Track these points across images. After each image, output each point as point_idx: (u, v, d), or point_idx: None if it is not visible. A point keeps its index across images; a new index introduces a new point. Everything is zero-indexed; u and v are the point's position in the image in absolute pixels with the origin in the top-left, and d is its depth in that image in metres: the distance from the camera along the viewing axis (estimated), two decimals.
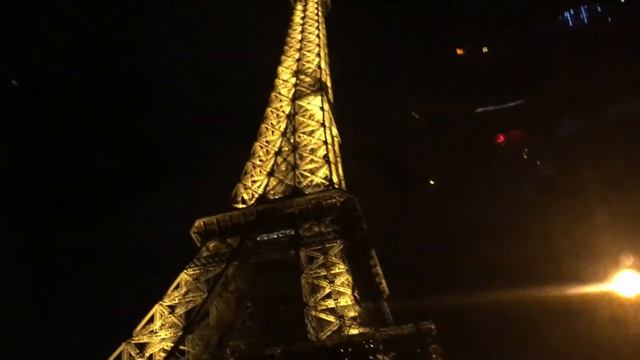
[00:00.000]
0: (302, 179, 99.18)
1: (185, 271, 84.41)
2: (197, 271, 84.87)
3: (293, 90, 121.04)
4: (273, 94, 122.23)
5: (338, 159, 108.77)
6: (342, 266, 79.79)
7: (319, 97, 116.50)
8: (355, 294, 76.36)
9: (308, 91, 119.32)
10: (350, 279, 78.09)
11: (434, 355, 52.75)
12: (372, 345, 58.18)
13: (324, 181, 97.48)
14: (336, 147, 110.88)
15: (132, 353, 73.12)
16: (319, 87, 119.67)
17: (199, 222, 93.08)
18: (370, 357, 52.81)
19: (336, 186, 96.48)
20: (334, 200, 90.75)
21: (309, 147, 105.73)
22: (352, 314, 74.05)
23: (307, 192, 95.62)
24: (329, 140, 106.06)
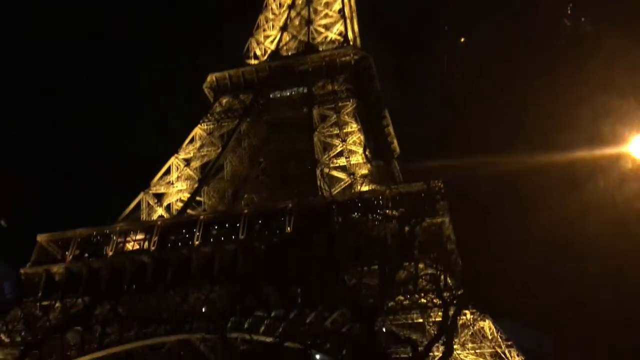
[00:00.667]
0: (316, 35, 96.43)
1: (199, 125, 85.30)
2: (211, 126, 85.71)
3: None
4: None
5: (354, 13, 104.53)
6: (355, 125, 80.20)
7: None
8: (367, 153, 77.49)
9: None
10: (362, 137, 78.83)
11: (440, 212, 54.70)
12: (381, 202, 60.12)
13: (338, 37, 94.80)
14: (352, 1, 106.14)
15: (150, 202, 76.26)
16: None
17: (211, 77, 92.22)
18: (379, 212, 54.74)
19: (351, 43, 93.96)
20: (348, 57, 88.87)
21: (324, 1, 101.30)
22: (363, 171, 75.73)
23: (320, 49, 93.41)
24: None
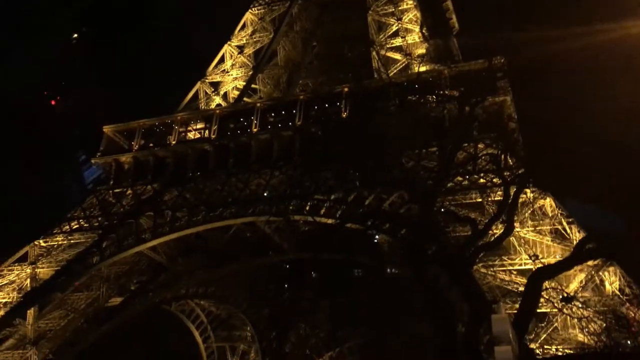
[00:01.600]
0: None
1: (250, 11, 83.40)
2: (262, 10, 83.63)
3: None
4: None
5: None
6: (410, 1, 76.38)
7: None
8: (424, 31, 74.25)
9: None
10: (418, 15, 75.26)
11: (502, 90, 52.80)
12: (440, 82, 58.38)
13: None
14: None
15: (207, 91, 77.04)
16: None
17: None
18: (438, 92, 53.33)
19: None
20: None
21: None
22: (420, 51, 73.14)
23: None
24: None
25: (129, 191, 67.58)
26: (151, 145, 70.07)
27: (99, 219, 65.85)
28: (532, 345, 43.32)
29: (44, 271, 63.02)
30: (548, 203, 50.14)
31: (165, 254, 67.22)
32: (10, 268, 64.08)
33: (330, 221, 53.69)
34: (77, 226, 66.00)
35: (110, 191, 68.58)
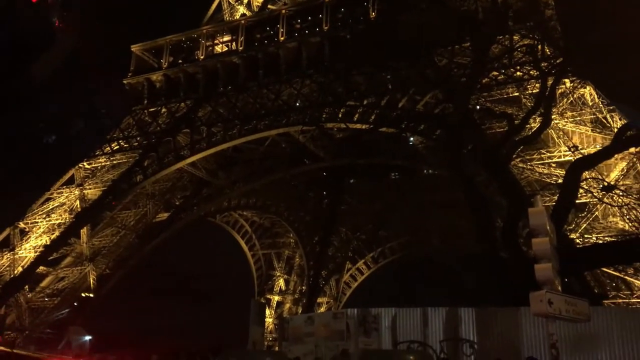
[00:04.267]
0: None
1: None
2: None
3: None
4: None
5: None
6: None
7: None
8: None
9: None
10: None
11: None
12: None
13: None
14: None
15: (230, 1, 75.17)
16: None
17: None
18: None
19: None
20: None
21: None
22: None
23: None
24: None
25: (164, 109, 68.31)
26: (180, 61, 69.82)
27: (138, 138, 67.21)
28: (573, 235, 43.75)
29: (92, 192, 65.49)
30: (588, 92, 48.66)
31: (205, 168, 68.75)
32: (59, 191, 66.78)
33: (364, 127, 53.55)
34: (117, 147, 67.65)
35: (145, 110, 69.43)
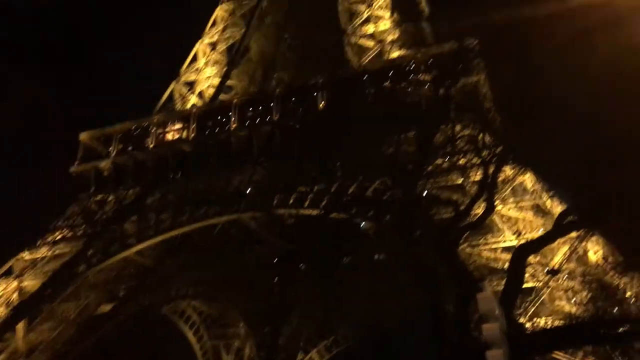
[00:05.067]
0: None
1: (219, 7, 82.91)
2: (232, 6, 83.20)
3: None
4: None
5: None
6: None
7: None
8: (395, 16, 74.41)
9: None
10: (388, 0, 75.36)
11: (475, 70, 53.16)
12: (413, 66, 58.71)
13: None
14: None
15: (183, 91, 76.58)
16: None
17: None
18: (412, 77, 53.71)
19: None
20: None
21: None
22: (391, 37, 73.18)
23: None
24: None
25: (111, 197, 67.12)
26: (130, 149, 69.56)
27: (83, 227, 65.32)
28: (521, 320, 44.05)
29: (31, 284, 62.44)
30: (528, 178, 50.77)
31: (152, 256, 66.94)
32: None
33: (314, 212, 53.87)
34: (60, 236, 65.42)
35: (92, 198, 68.00)
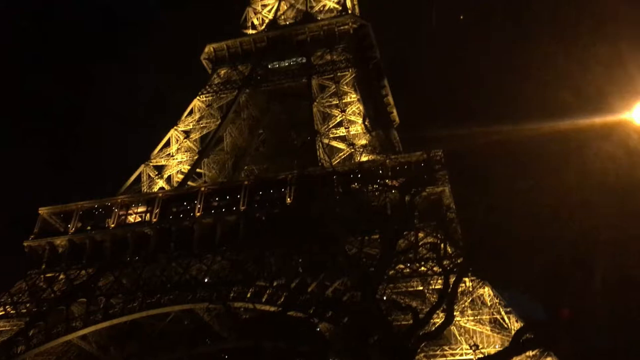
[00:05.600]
0: (314, 4, 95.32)
1: (197, 97, 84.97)
2: (210, 98, 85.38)
3: None
4: None
5: None
6: (354, 95, 79.88)
7: None
8: (366, 123, 77.27)
9: None
10: (361, 107, 78.57)
11: (440, 181, 54.91)
12: (381, 171, 60.27)
13: (337, 6, 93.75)
14: None
15: (151, 174, 76.46)
16: None
17: (209, 48, 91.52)
18: (379, 182, 54.92)
19: (350, 11, 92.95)
20: (346, 26, 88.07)
21: None
22: (362, 142, 75.66)
23: (319, 18, 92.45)
24: None
25: (62, 275, 64.69)
26: (89, 228, 68.06)
27: (28, 305, 62.27)
28: None
29: None
30: (486, 292, 51.16)
31: (96, 343, 63.66)
32: None
33: (272, 308, 52.72)
34: (2, 313, 62.09)
35: (42, 275, 65.39)
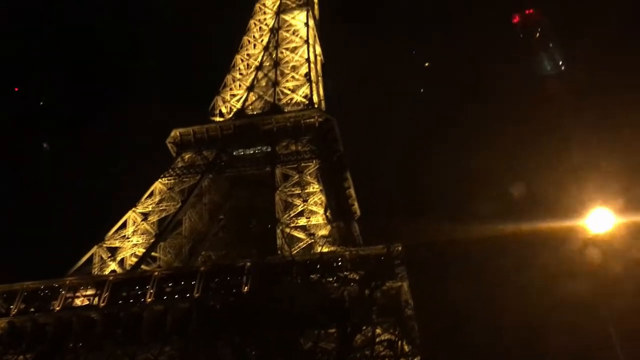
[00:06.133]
0: (282, 96, 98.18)
1: (159, 180, 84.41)
2: (172, 181, 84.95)
3: (278, 2, 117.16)
4: (257, 5, 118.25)
5: (320, 78, 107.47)
6: (317, 186, 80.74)
7: (305, 12, 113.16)
8: (327, 214, 77.76)
9: (293, 5, 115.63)
10: (323, 198, 79.25)
11: (399, 276, 54.70)
12: (340, 264, 59.89)
13: (303, 100, 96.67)
14: (318, 66, 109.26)
15: (103, 256, 74.08)
16: (305, 2, 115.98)
17: (175, 132, 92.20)
18: (339, 274, 54.44)
19: (316, 106, 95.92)
20: (312, 119, 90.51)
21: (291, 64, 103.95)
22: (323, 232, 75.72)
23: (286, 110, 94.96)
24: (312, 58, 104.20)
25: None
26: (32, 310, 64.51)
27: None
28: None
29: None
30: None
31: None
32: None
33: None
34: None
35: None
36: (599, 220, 21.51)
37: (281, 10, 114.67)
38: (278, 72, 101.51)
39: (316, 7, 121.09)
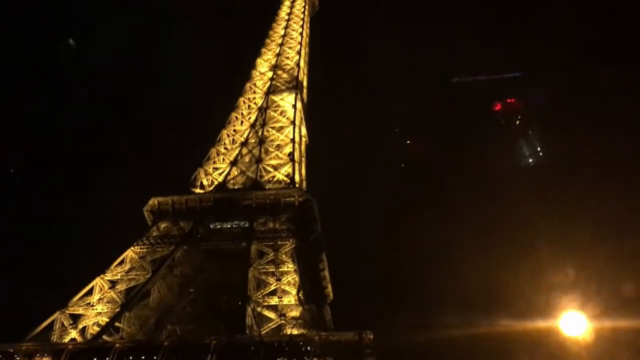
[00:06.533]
0: (264, 173, 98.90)
1: (132, 248, 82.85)
2: (144, 250, 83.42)
3: (268, 83, 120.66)
4: (248, 85, 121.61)
5: (303, 158, 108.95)
6: (291, 265, 79.81)
7: (293, 95, 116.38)
8: (300, 295, 76.42)
9: (283, 87, 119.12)
10: (297, 278, 78.16)
11: None
12: (309, 348, 58.31)
13: (285, 178, 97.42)
14: (303, 147, 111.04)
15: (65, 323, 71.23)
16: (294, 85, 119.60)
17: (153, 201, 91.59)
18: (307, 358, 52.92)
19: (297, 185, 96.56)
20: (292, 198, 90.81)
21: (276, 143, 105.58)
22: (294, 313, 74.09)
23: (267, 187, 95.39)
24: (297, 139, 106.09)
25: None
26: None
27: None
28: None
29: None
30: None
31: None
32: None
33: None
34: None
35: None
36: (572, 324, 21.41)
37: (271, 91, 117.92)
38: (263, 149, 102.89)
39: (305, 90, 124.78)
